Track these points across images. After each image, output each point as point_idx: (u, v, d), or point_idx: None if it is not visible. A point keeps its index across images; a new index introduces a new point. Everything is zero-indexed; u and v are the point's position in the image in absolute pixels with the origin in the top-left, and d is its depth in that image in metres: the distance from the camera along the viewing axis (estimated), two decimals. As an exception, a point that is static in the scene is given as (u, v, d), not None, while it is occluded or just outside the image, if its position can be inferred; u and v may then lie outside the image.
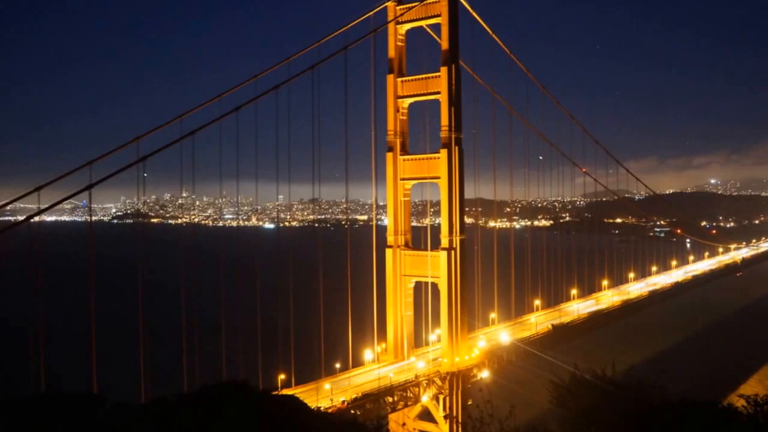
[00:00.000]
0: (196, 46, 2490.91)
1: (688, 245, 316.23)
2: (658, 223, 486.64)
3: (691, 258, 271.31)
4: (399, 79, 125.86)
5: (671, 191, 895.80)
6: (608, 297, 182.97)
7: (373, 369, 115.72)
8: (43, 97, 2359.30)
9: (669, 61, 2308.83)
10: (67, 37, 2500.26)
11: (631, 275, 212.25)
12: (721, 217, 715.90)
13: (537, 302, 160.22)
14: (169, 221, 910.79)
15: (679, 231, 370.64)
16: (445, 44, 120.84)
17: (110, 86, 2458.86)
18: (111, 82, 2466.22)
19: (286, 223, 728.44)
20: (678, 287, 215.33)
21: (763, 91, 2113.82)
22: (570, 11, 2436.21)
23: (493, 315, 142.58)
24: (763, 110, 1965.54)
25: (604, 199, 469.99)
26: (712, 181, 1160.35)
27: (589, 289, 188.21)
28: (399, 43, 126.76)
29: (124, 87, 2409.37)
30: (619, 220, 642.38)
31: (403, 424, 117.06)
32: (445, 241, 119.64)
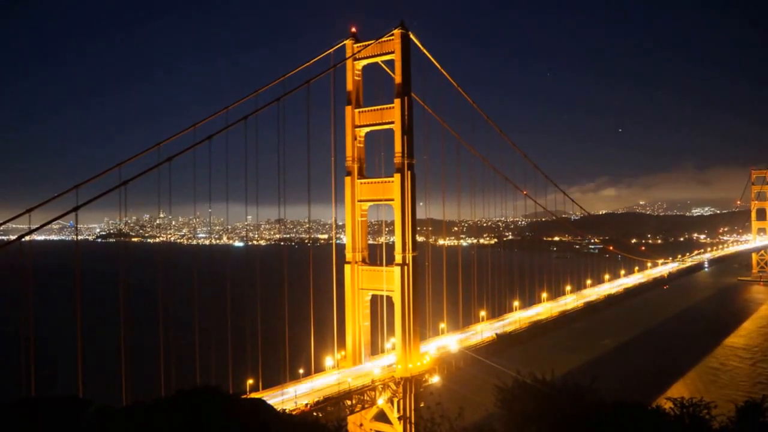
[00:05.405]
0: (174, 82, 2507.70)
1: (620, 260, 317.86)
2: (592, 240, 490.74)
3: (623, 272, 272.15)
4: (356, 110, 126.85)
5: (604, 212, 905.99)
6: (547, 308, 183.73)
7: (334, 374, 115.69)
8: (35, 129, 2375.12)
9: (604, 107, 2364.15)
10: (57, 78, 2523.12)
11: (568, 288, 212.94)
12: (649, 235, 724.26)
13: (483, 313, 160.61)
14: (148, 240, 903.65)
15: (611, 248, 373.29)
16: (398, 78, 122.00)
17: (95, 118, 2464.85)
18: (96, 114, 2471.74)
19: (254, 242, 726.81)
20: (610, 299, 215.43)
21: (685, 125, 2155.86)
22: (518, 58, 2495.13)
23: (442, 325, 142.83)
24: (686, 142, 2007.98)
25: (543, 219, 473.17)
26: (641, 202, 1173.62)
27: (530, 300, 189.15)
28: (356, 78, 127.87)
29: (108, 118, 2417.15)
30: (556, 238, 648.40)
31: (361, 425, 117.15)
32: (398, 258, 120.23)
